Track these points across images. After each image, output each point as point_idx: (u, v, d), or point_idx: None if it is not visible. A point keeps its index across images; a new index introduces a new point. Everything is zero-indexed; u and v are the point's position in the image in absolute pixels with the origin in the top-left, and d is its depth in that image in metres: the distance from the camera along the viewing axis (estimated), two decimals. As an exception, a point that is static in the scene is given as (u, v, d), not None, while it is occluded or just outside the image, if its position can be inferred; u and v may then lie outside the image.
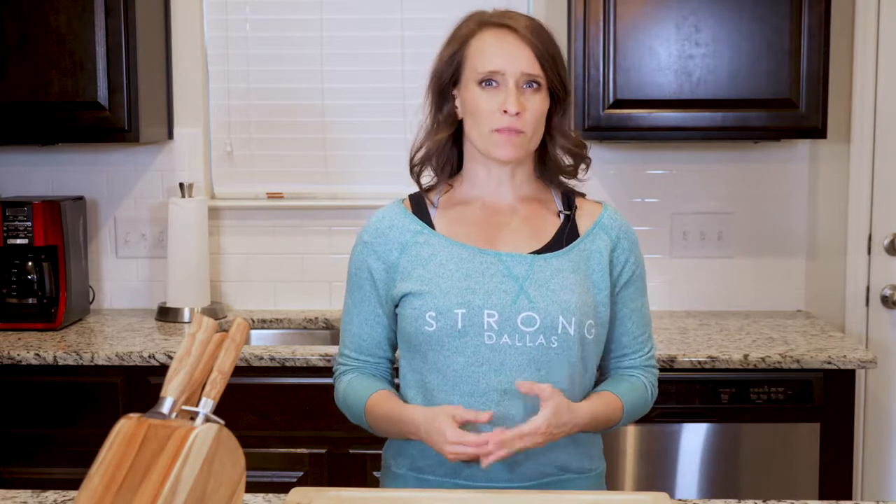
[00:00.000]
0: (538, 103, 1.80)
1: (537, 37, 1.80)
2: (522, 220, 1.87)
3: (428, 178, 1.93)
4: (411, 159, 1.91)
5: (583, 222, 1.88)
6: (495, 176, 1.87)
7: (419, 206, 1.90)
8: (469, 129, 1.84)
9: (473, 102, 1.81)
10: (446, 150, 1.89)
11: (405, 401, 1.85)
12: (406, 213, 1.88)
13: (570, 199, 1.91)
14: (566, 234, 1.86)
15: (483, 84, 1.80)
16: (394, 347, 1.92)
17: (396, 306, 1.85)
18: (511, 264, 1.81)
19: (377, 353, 1.90)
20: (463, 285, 1.79)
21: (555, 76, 1.81)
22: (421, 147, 1.90)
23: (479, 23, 1.84)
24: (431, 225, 1.87)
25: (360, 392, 1.86)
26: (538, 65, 1.79)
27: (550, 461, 1.80)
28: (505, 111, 1.77)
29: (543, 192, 1.91)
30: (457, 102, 1.86)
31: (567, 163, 1.89)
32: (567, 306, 1.78)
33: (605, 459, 1.94)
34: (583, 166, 1.91)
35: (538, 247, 1.84)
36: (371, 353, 1.90)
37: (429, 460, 1.81)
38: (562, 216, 1.88)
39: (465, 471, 1.79)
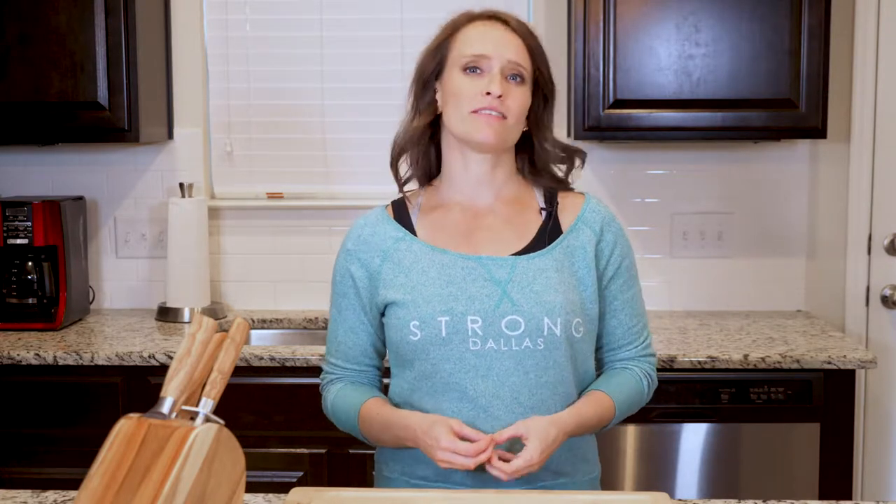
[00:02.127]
0: (521, 96, 1.79)
1: (527, 31, 1.81)
2: (503, 221, 1.85)
3: (405, 168, 1.91)
4: (391, 153, 1.91)
5: (565, 217, 1.86)
6: (474, 173, 1.85)
7: (401, 211, 1.89)
8: (448, 115, 1.82)
9: (456, 87, 1.80)
10: (423, 141, 1.87)
11: (393, 403, 1.86)
12: (388, 219, 1.88)
13: (552, 194, 1.89)
14: (549, 232, 1.84)
15: (467, 70, 1.79)
16: (381, 355, 1.91)
17: (382, 315, 1.85)
18: (492, 268, 1.79)
19: (364, 360, 1.89)
20: (445, 292, 1.77)
21: (545, 69, 1.81)
22: (400, 137, 1.90)
23: (468, 17, 1.85)
24: (413, 230, 1.86)
25: (351, 400, 1.85)
26: (527, 54, 1.79)
27: (545, 466, 1.78)
28: (488, 93, 1.76)
29: (525, 191, 1.89)
30: (437, 95, 1.85)
31: (557, 162, 1.88)
32: (552, 307, 1.76)
33: (600, 464, 1.94)
34: (577, 163, 1.89)
35: (520, 247, 1.82)
36: (358, 362, 1.89)
37: (421, 464, 1.81)
38: (543, 213, 1.86)
39: (458, 477, 1.78)
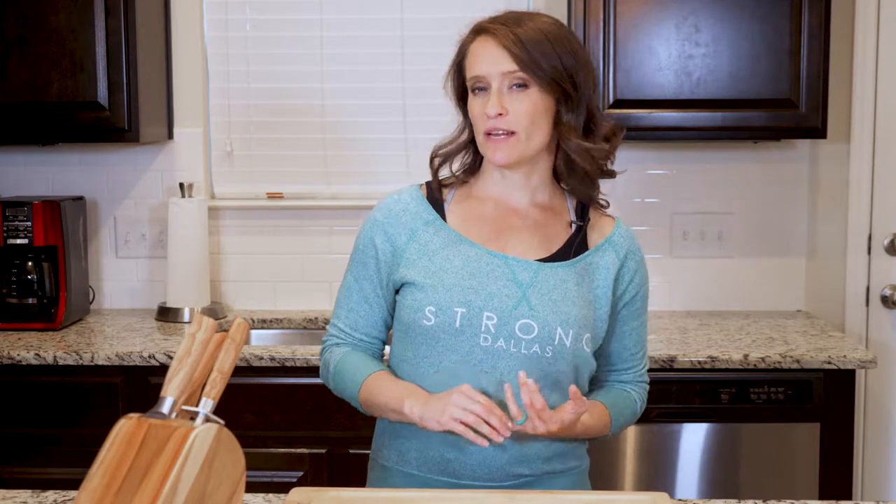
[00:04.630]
0: (527, 102, 1.78)
1: (520, 41, 1.77)
2: (534, 225, 1.86)
3: (446, 171, 1.93)
4: (434, 152, 1.91)
5: (593, 235, 1.88)
6: (509, 178, 1.87)
7: (434, 194, 1.90)
8: (475, 135, 1.85)
9: (470, 110, 1.84)
10: (468, 152, 1.91)
11: None
12: (422, 199, 1.88)
13: (584, 209, 1.90)
14: (575, 246, 1.86)
15: (476, 91, 1.82)
16: (388, 329, 1.92)
17: (397, 292, 1.86)
18: (517, 269, 1.81)
19: (371, 332, 1.90)
20: (465, 284, 1.79)
21: (541, 77, 1.77)
22: (446, 146, 1.91)
23: (474, 32, 1.85)
24: (444, 216, 1.87)
25: (357, 370, 1.84)
26: (516, 66, 1.78)
27: (535, 459, 1.81)
28: (488, 115, 1.78)
29: (558, 200, 1.90)
30: None
31: (588, 164, 1.84)
32: (567, 318, 1.78)
33: (588, 457, 1.95)
34: (609, 164, 1.88)
35: (546, 255, 1.84)
36: (366, 332, 1.89)
37: (415, 454, 1.83)
38: (573, 226, 1.88)
39: (450, 466, 1.79)
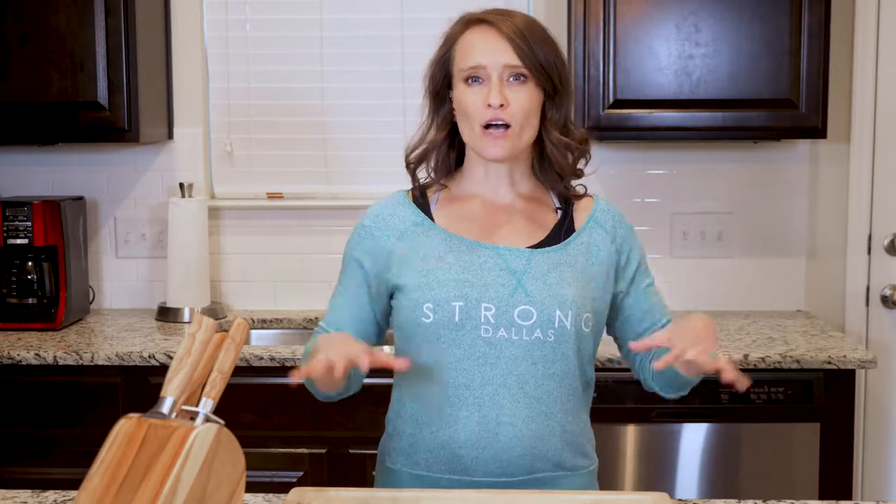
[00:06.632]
0: (524, 96, 1.80)
1: (521, 33, 1.80)
2: (521, 215, 1.88)
3: (423, 175, 1.93)
4: (406, 157, 1.92)
5: (579, 217, 1.90)
6: (493, 174, 1.88)
7: (420, 198, 1.91)
8: (461, 128, 1.85)
9: (461, 101, 1.82)
10: (442, 151, 1.90)
11: (397, 391, 1.87)
12: (408, 202, 1.90)
13: (565, 196, 1.91)
14: (564, 230, 1.87)
15: (469, 81, 1.82)
16: (377, 334, 1.91)
17: (391, 297, 1.86)
18: (509, 258, 1.82)
19: (357, 336, 1.87)
20: (461, 278, 1.79)
21: (538, 71, 1.80)
22: (416, 147, 1.91)
23: (464, 23, 1.86)
24: (431, 217, 1.88)
25: (308, 348, 1.84)
26: (518, 60, 1.79)
27: (544, 458, 1.80)
28: (489, 105, 1.78)
29: (541, 189, 1.92)
30: (454, 104, 1.87)
31: (564, 160, 1.88)
32: (564, 300, 1.79)
33: (597, 458, 1.94)
34: (582, 161, 1.91)
35: (536, 241, 1.85)
36: (352, 332, 1.88)
37: (424, 454, 1.82)
38: (559, 212, 1.90)
39: (462, 464, 1.79)
